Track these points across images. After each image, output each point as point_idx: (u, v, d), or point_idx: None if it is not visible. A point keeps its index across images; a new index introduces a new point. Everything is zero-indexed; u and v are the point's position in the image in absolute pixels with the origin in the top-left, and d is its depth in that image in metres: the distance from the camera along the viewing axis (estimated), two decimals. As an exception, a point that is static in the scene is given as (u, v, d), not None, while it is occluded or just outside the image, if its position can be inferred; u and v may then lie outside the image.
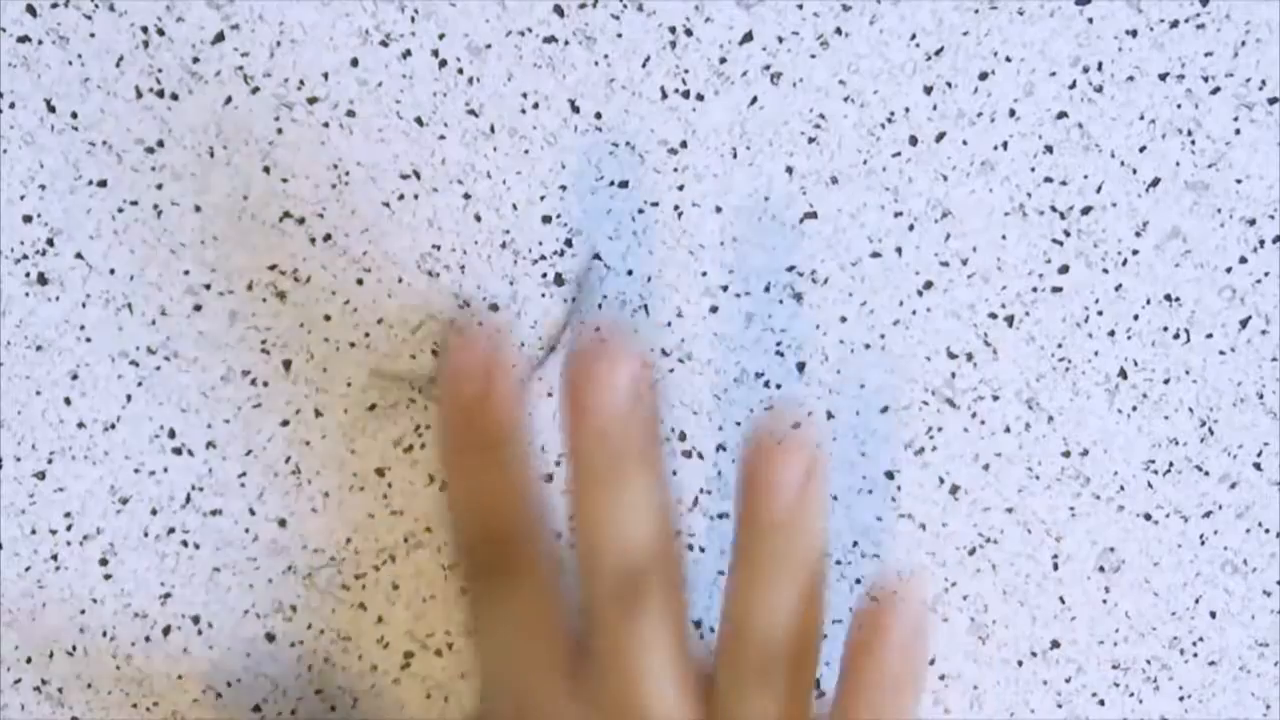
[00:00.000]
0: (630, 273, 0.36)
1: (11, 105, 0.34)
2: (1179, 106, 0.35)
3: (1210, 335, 0.37)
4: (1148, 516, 0.38)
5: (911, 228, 0.36)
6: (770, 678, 0.32)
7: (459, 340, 0.32)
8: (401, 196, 0.35)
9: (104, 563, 0.37)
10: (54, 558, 0.37)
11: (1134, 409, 0.37)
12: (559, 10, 0.34)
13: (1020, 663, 0.39)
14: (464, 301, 0.36)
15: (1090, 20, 0.34)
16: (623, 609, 0.32)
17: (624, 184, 0.35)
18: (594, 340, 0.30)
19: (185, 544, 0.37)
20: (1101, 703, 0.39)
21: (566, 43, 0.34)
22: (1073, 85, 0.35)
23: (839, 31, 0.34)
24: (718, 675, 0.33)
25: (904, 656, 0.32)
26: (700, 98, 0.35)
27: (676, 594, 0.32)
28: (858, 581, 0.38)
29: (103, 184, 0.35)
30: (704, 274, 0.36)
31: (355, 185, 0.35)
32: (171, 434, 0.37)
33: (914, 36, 0.34)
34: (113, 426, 0.37)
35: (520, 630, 0.33)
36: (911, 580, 0.33)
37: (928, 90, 0.35)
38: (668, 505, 0.32)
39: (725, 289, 0.36)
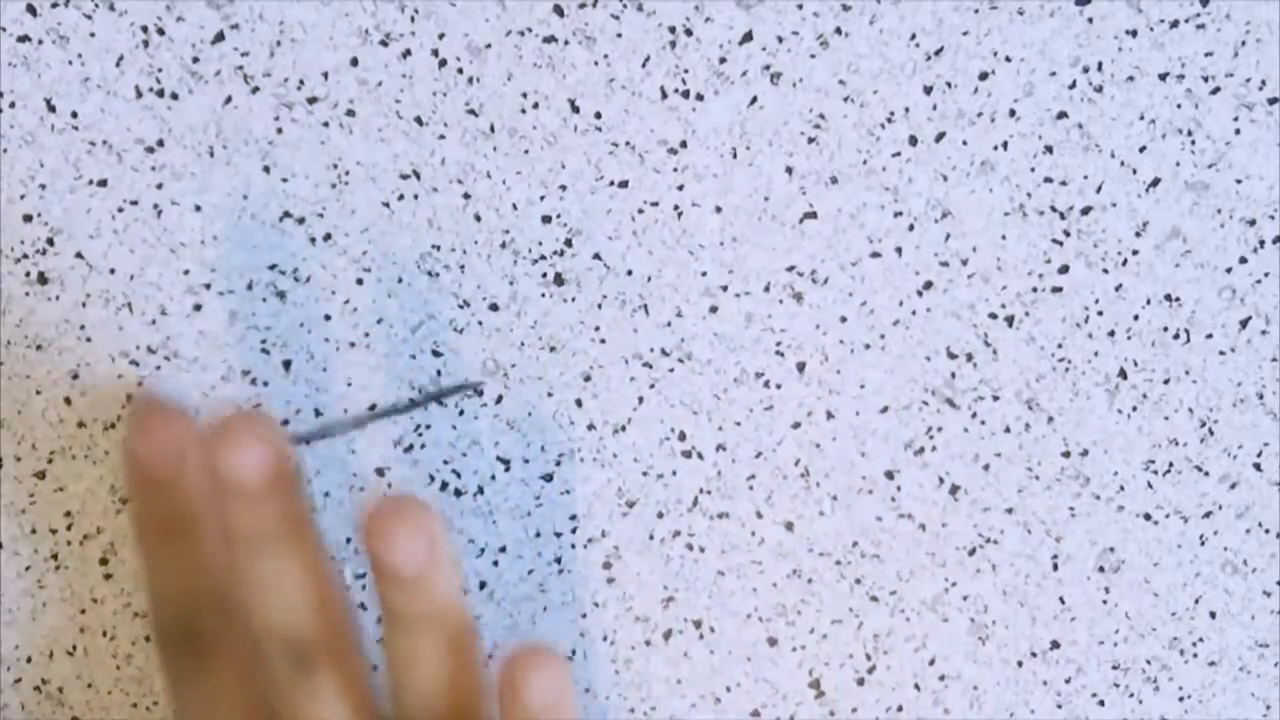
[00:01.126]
0: (630, 273, 0.36)
1: (11, 105, 0.34)
2: (1179, 106, 0.35)
3: (1210, 335, 0.37)
4: (1148, 517, 0.38)
5: (911, 228, 0.36)
6: None
7: (139, 423, 0.33)
8: (401, 196, 0.35)
9: (104, 562, 0.37)
10: (54, 558, 0.37)
11: (1134, 409, 0.37)
12: (559, 10, 0.34)
13: (1020, 663, 0.39)
14: (464, 301, 0.36)
15: (1090, 20, 0.34)
16: (296, 683, 0.32)
17: (624, 184, 0.35)
18: (225, 425, 0.30)
19: (185, 544, 0.37)
20: (1101, 703, 0.39)
21: (566, 43, 0.34)
22: (1073, 85, 0.35)
23: (839, 31, 0.34)
24: None
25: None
26: (700, 98, 0.35)
27: (350, 660, 0.32)
28: (858, 581, 0.38)
29: (103, 184, 0.35)
30: (704, 274, 0.36)
31: (355, 185, 0.35)
32: (171, 434, 0.37)
33: (914, 36, 0.34)
34: (113, 426, 0.37)
35: (214, 709, 0.33)
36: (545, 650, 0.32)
37: (928, 90, 0.35)
38: (326, 571, 0.32)
39: (725, 289, 0.36)
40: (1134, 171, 0.35)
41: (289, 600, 0.31)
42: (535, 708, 0.30)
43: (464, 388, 0.36)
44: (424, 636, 0.31)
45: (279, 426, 0.31)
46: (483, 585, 0.38)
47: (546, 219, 0.36)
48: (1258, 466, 0.38)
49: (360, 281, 0.36)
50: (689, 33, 0.34)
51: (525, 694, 0.30)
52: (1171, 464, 0.38)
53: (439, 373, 0.37)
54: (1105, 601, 0.38)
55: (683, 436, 0.37)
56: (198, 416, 0.33)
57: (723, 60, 0.34)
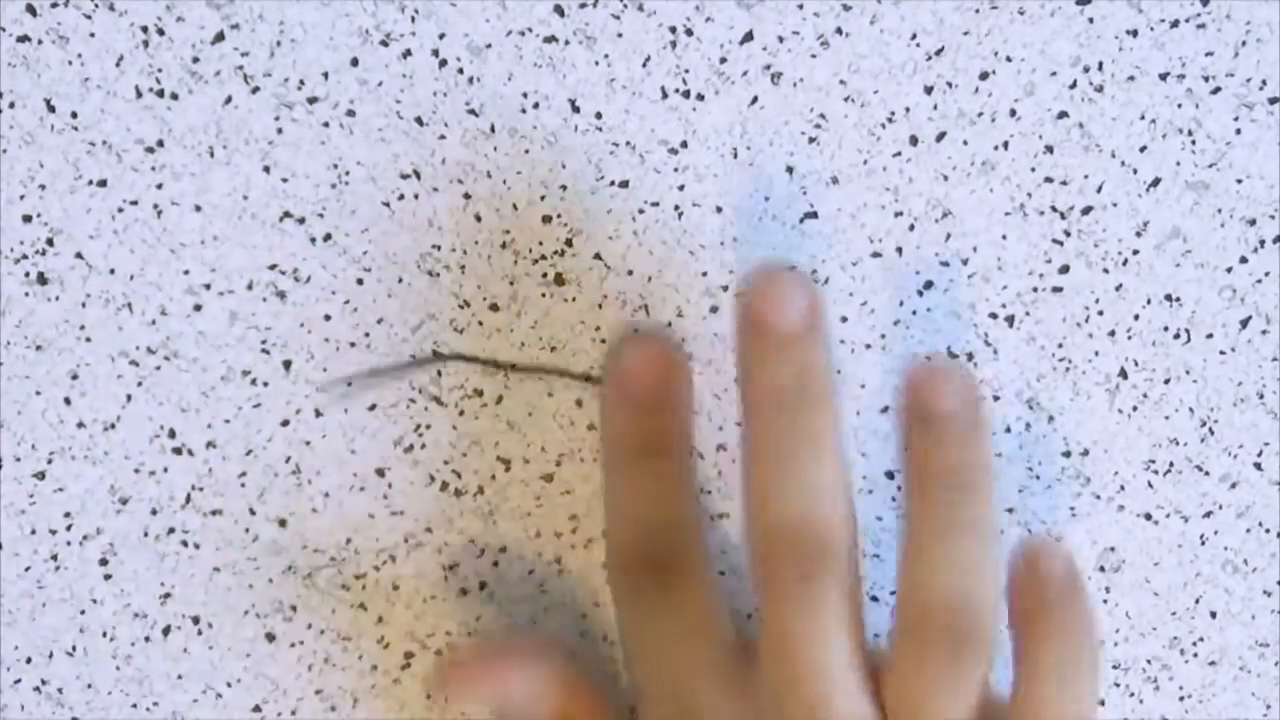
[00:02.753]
0: (630, 273, 0.36)
1: (11, 105, 0.34)
2: (1179, 106, 0.35)
3: (1211, 335, 0.37)
4: (1148, 516, 0.38)
5: (912, 228, 0.36)
6: (959, 654, 0.30)
7: (634, 340, 0.32)
8: (401, 196, 0.35)
9: (104, 563, 0.37)
10: (54, 558, 0.37)
11: (1134, 409, 0.37)
12: (559, 10, 0.34)
13: (1020, 663, 0.39)
14: (464, 301, 0.36)
15: (1091, 20, 0.34)
16: (801, 593, 0.30)
17: (624, 184, 0.35)
18: (769, 271, 0.30)
19: (185, 544, 0.37)
20: (1101, 703, 0.39)
21: (567, 43, 0.34)
22: (1073, 85, 0.35)
23: (839, 31, 0.34)
24: (897, 654, 0.31)
25: (1078, 635, 0.31)
26: (700, 98, 0.35)
27: (856, 578, 0.31)
28: (858, 581, 0.38)
29: (103, 184, 0.35)
30: (704, 274, 0.36)
31: (355, 185, 0.35)
32: (171, 434, 0.37)
33: (914, 36, 0.34)
34: (113, 426, 0.37)
35: (681, 630, 0.31)
36: (1060, 547, 0.31)
37: (928, 90, 0.35)
38: (847, 476, 0.31)
39: (725, 289, 0.36)
40: (1134, 171, 0.35)
41: (814, 500, 0.30)
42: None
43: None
44: (961, 526, 0.30)
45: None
46: (483, 585, 0.38)
47: (546, 219, 0.36)
48: (1258, 466, 0.38)
49: (360, 281, 0.36)
50: (689, 33, 0.34)
51: (1049, 577, 0.30)
52: (1172, 464, 0.38)
53: (439, 373, 0.37)
54: (1105, 601, 0.38)
55: (683, 436, 0.37)
56: (683, 348, 0.33)
57: (723, 60, 0.34)
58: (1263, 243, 0.36)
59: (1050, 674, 0.31)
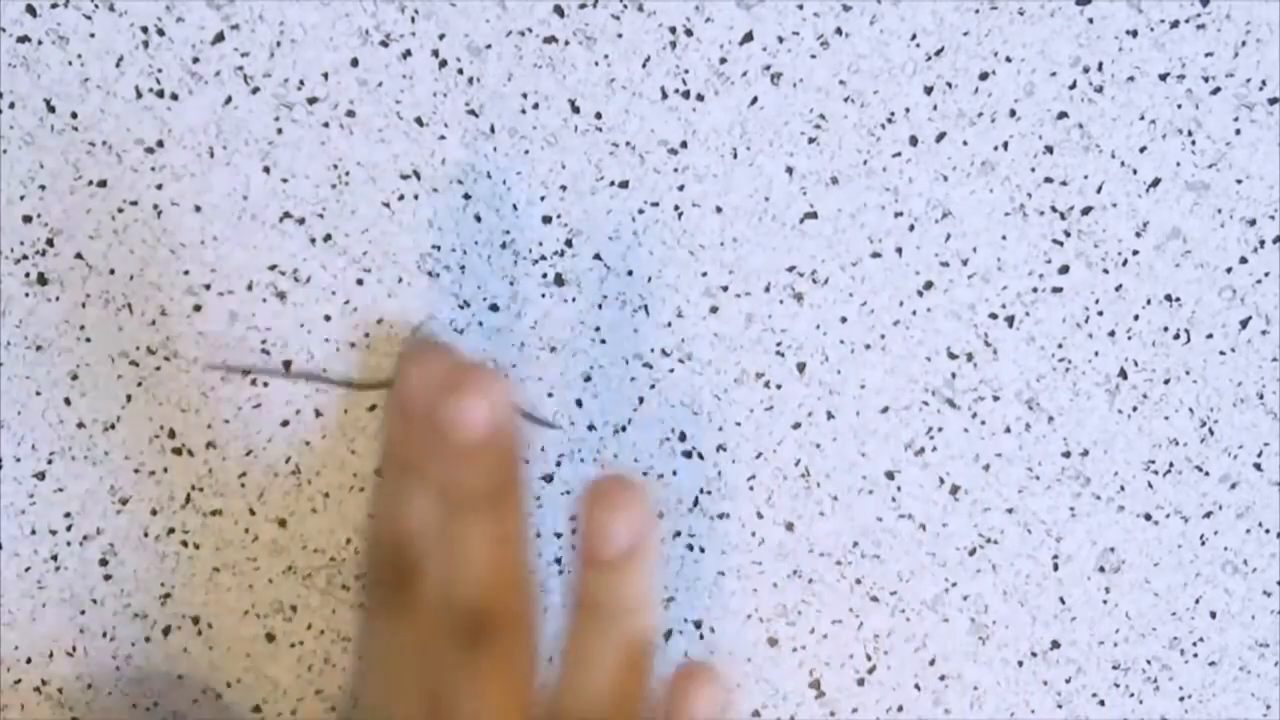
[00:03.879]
0: (630, 273, 0.36)
1: (11, 105, 0.34)
2: (1179, 106, 0.35)
3: (1210, 335, 0.37)
4: (1148, 517, 0.38)
5: (912, 228, 0.36)
6: None
7: (414, 355, 0.32)
8: (401, 196, 0.35)
9: (104, 563, 0.37)
10: (54, 558, 0.37)
11: (1134, 409, 0.37)
12: (559, 10, 0.34)
13: (1020, 663, 0.39)
14: (464, 301, 0.36)
15: (1090, 20, 0.34)
16: (458, 656, 0.31)
17: (624, 184, 0.35)
18: (458, 367, 0.30)
19: (185, 544, 0.37)
20: (1102, 703, 0.39)
21: (566, 43, 0.34)
22: (1073, 85, 0.35)
23: (839, 31, 0.34)
24: None
25: None
26: (700, 98, 0.35)
27: (519, 644, 0.31)
28: (858, 581, 0.38)
29: (103, 184, 0.35)
30: (704, 274, 0.36)
31: (355, 185, 0.35)
32: (171, 434, 0.37)
33: (914, 37, 0.34)
34: (113, 426, 0.37)
35: (402, 653, 0.32)
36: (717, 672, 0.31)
37: (928, 90, 0.35)
38: (521, 547, 0.31)
39: (725, 289, 0.36)
40: (1134, 171, 0.35)
41: (474, 567, 0.30)
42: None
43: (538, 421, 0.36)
44: (607, 634, 0.30)
45: (509, 383, 0.30)
46: (483, 585, 0.38)
47: (547, 219, 0.36)
48: (1258, 466, 0.38)
49: (360, 281, 0.36)
50: (689, 33, 0.34)
51: (692, 707, 0.30)
52: (1171, 464, 0.38)
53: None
54: (1105, 601, 0.38)
55: (683, 437, 0.37)
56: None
57: (723, 60, 0.34)
58: (1263, 243, 0.36)
59: None
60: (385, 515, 0.33)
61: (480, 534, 0.30)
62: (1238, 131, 0.35)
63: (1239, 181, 0.36)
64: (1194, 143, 0.35)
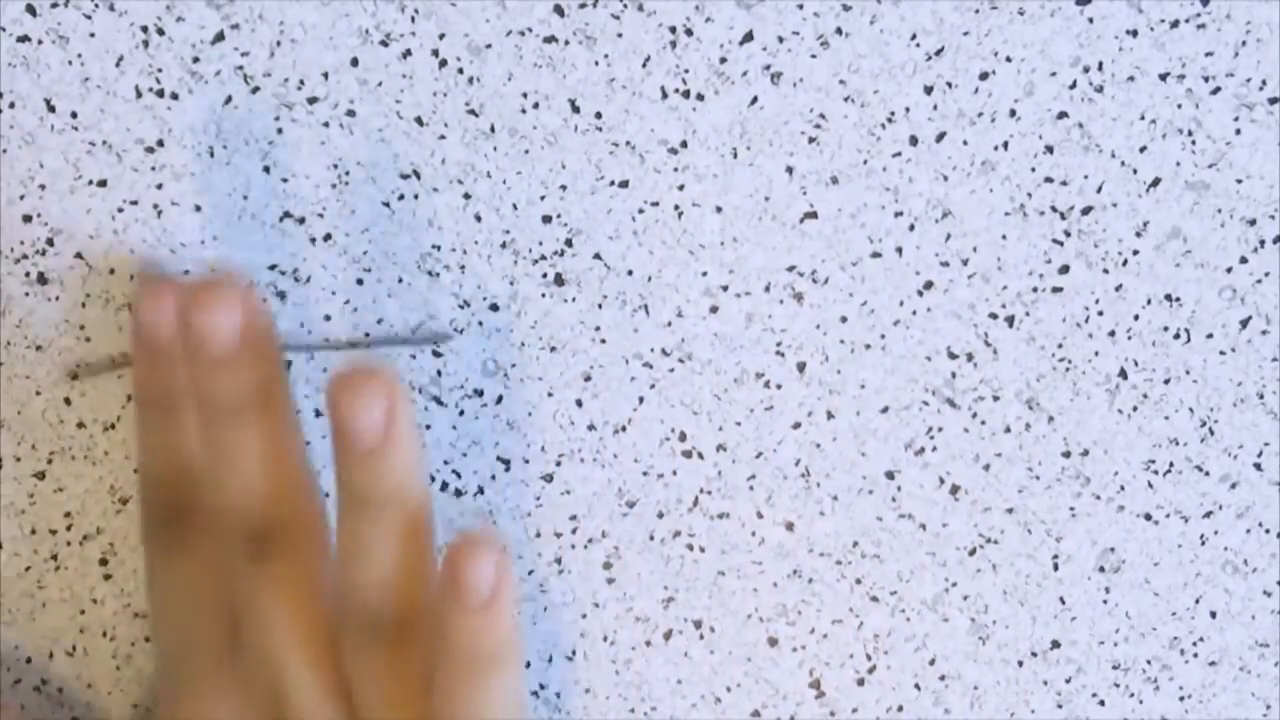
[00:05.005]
0: (630, 273, 0.36)
1: (11, 105, 0.34)
2: (1179, 106, 0.35)
3: (1210, 335, 0.37)
4: (1148, 517, 0.38)
5: (912, 228, 0.36)
6: (378, 637, 0.30)
7: (146, 290, 0.32)
8: (401, 196, 0.35)
9: (104, 563, 0.37)
10: (54, 558, 0.37)
11: (1134, 409, 0.37)
12: (559, 10, 0.34)
13: (1020, 663, 0.39)
14: (464, 301, 0.36)
15: (1090, 20, 0.34)
16: (248, 568, 0.30)
17: (624, 184, 0.35)
18: (199, 287, 0.29)
19: (185, 544, 0.37)
20: (1102, 703, 0.39)
21: (566, 43, 0.34)
22: (1073, 85, 0.35)
23: (839, 31, 0.34)
24: (340, 634, 0.31)
25: (484, 633, 0.30)
26: (700, 98, 0.35)
27: (307, 548, 0.31)
28: (858, 581, 0.38)
29: (103, 184, 0.35)
30: (704, 274, 0.36)
31: (355, 185, 0.35)
32: (171, 434, 0.37)
33: (914, 36, 0.34)
34: (113, 426, 0.37)
35: (186, 590, 0.32)
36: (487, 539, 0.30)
37: (928, 90, 0.35)
38: (294, 451, 0.31)
39: (725, 289, 0.36)
40: (1134, 171, 0.35)
41: (250, 479, 0.30)
42: (474, 596, 0.29)
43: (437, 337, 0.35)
44: (377, 522, 0.30)
45: (255, 291, 0.30)
46: (483, 585, 0.38)
47: (546, 219, 0.36)
48: (1258, 466, 0.38)
49: (360, 281, 0.36)
50: (689, 33, 0.34)
51: (465, 581, 0.29)
52: (1172, 464, 0.38)
53: (439, 373, 0.37)
54: (1105, 601, 0.38)
55: (683, 436, 0.37)
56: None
57: (723, 60, 0.34)
58: (1263, 243, 0.36)
59: (455, 674, 0.30)
60: (150, 453, 0.33)
61: (250, 446, 0.30)
62: (1238, 131, 0.35)
63: (1239, 181, 0.36)
64: (1194, 143, 0.35)
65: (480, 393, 0.37)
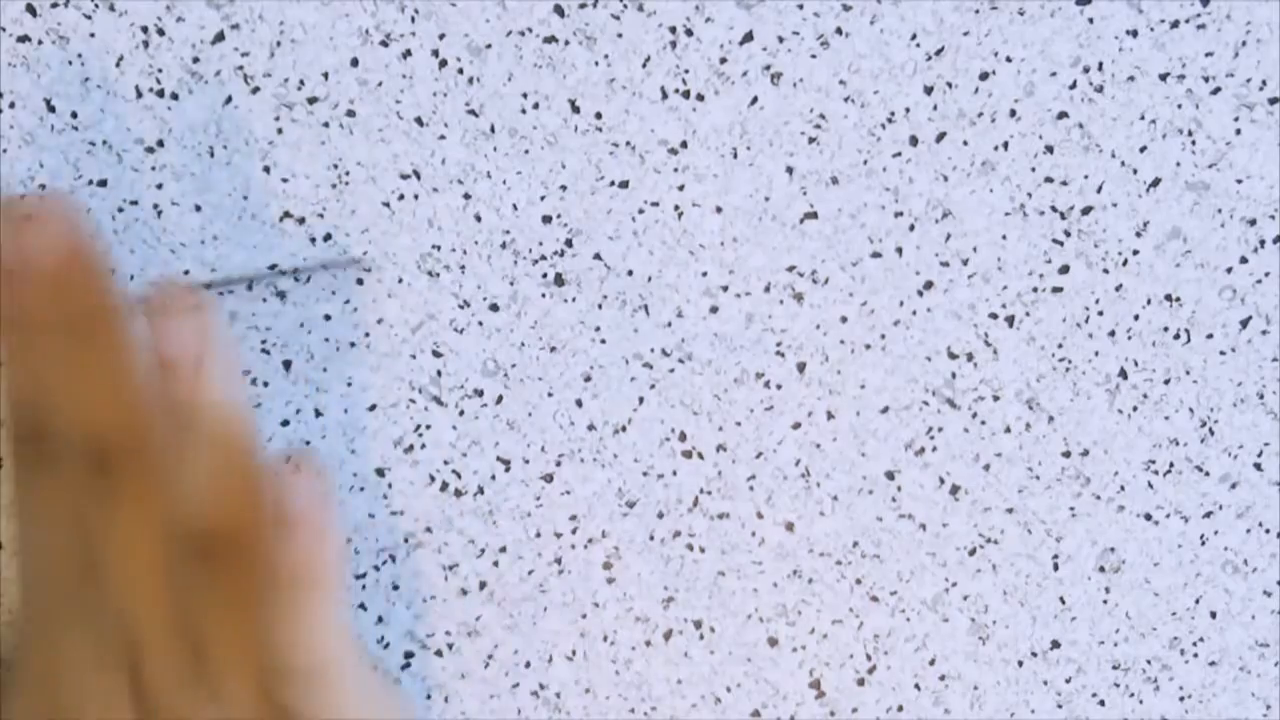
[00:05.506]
0: (630, 273, 0.36)
1: (11, 105, 0.34)
2: (1179, 106, 0.35)
3: (1210, 335, 0.37)
4: (1148, 517, 0.38)
5: (912, 228, 0.36)
6: (203, 557, 0.31)
7: (34, 211, 0.32)
8: (401, 196, 0.35)
9: (104, 563, 0.37)
10: (54, 558, 0.37)
11: (1134, 409, 0.37)
12: (559, 10, 0.34)
13: (1020, 663, 0.39)
14: (464, 301, 0.36)
15: (1091, 21, 0.34)
16: (93, 486, 0.30)
17: (624, 184, 0.35)
18: (21, 208, 0.30)
19: (185, 544, 0.37)
20: (1102, 703, 0.39)
21: (566, 43, 0.34)
22: (1073, 85, 0.35)
23: (839, 31, 0.34)
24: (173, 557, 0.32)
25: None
26: (700, 98, 0.35)
27: (149, 466, 0.31)
28: (858, 581, 0.38)
29: (103, 184, 0.35)
30: (704, 274, 0.36)
31: (355, 185, 0.35)
32: (171, 434, 0.37)
33: (914, 37, 0.34)
34: (113, 426, 0.37)
35: (49, 504, 0.32)
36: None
37: (928, 90, 0.35)
38: (130, 369, 0.31)
39: (725, 289, 0.36)
40: (1134, 171, 0.35)
41: (88, 398, 0.31)
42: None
43: (347, 262, 0.35)
44: (198, 437, 0.31)
45: (79, 213, 0.30)
46: (483, 585, 0.38)
47: (546, 219, 0.36)
48: (1258, 466, 0.38)
49: (360, 281, 0.36)
50: (689, 33, 0.34)
51: (292, 497, 0.30)
52: (1171, 464, 0.38)
53: (439, 373, 0.37)
54: (1105, 601, 0.38)
55: (683, 437, 0.37)
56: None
57: (723, 60, 0.34)
58: (1263, 243, 0.36)
59: (276, 593, 0.31)
60: (11, 376, 0.33)
61: (86, 365, 0.30)
62: (1238, 131, 0.35)
63: (1239, 181, 0.36)
64: (1194, 143, 0.35)
65: (480, 393, 0.37)
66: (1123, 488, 0.38)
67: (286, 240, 0.36)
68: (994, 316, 0.37)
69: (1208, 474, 0.38)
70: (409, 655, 0.38)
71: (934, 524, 0.38)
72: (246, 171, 0.35)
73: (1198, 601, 0.38)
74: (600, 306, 0.36)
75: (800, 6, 0.34)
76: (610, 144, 0.35)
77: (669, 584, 0.38)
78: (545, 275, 0.36)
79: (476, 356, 0.36)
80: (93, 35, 0.34)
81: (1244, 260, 0.36)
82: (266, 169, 0.35)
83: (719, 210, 0.36)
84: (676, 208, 0.36)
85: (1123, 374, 0.37)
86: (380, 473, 0.37)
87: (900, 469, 0.38)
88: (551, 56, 0.34)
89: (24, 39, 0.34)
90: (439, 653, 0.38)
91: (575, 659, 0.39)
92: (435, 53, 0.34)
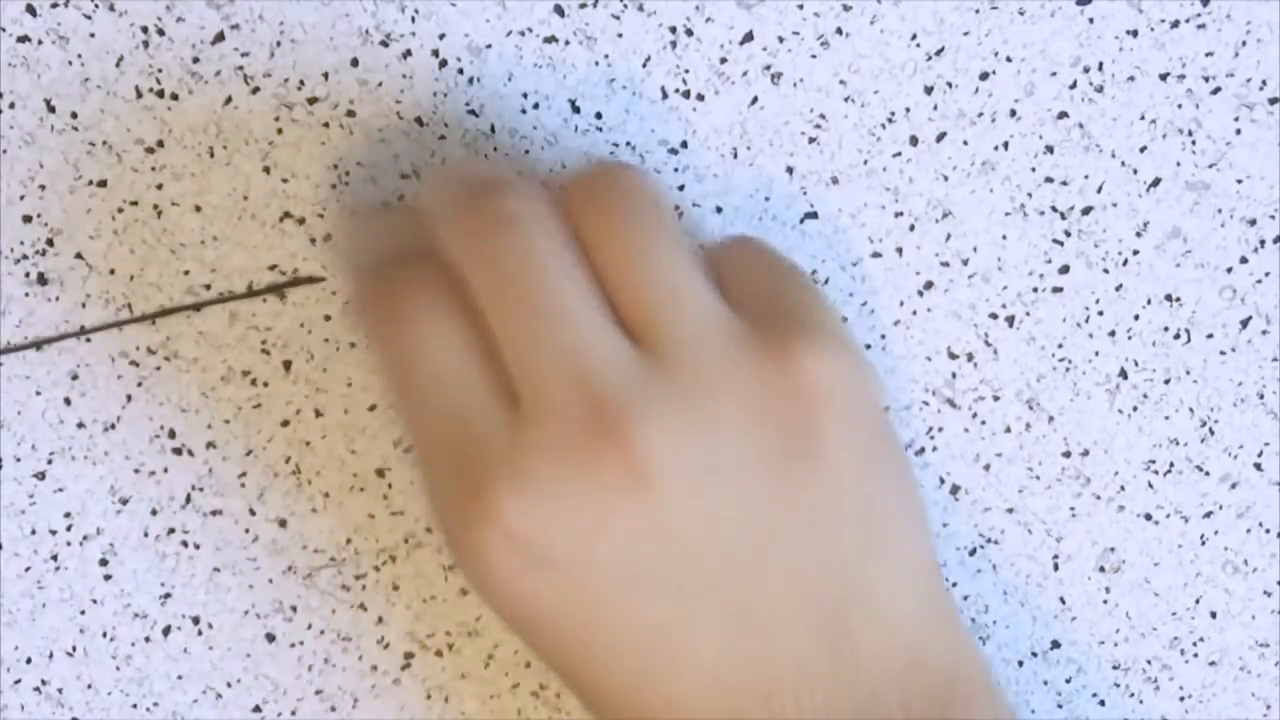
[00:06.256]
0: (630, 273, 0.36)
1: (11, 105, 0.34)
2: (1179, 106, 0.35)
3: (1211, 335, 0.37)
4: (1148, 517, 0.38)
5: (912, 228, 0.36)
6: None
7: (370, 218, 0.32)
8: (401, 196, 0.35)
9: (104, 563, 0.37)
10: (54, 558, 0.37)
11: (1134, 409, 0.37)
12: (559, 10, 0.34)
13: (1020, 663, 0.39)
14: (464, 301, 0.36)
15: (1091, 20, 0.34)
16: (493, 228, 0.29)
17: (624, 184, 0.35)
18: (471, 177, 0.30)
19: (185, 544, 0.37)
20: (1102, 703, 0.39)
21: (567, 43, 0.34)
22: (1073, 85, 0.35)
23: (839, 31, 0.34)
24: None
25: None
26: (700, 98, 0.35)
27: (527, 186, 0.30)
28: (858, 581, 0.38)
29: (103, 184, 0.35)
30: (704, 274, 0.36)
31: (355, 185, 0.35)
32: (171, 434, 0.37)
33: (914, 36, 0.34)
34: (113, 426, 0.37)
35: (434, 355, 0.30)
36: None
37: (928, 90, 0.35)
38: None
39: (725, 289, 0.36)
40: (1134, 171, 0.35)
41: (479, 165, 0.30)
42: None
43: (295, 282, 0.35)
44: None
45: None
46: (483, 585, 0.38)
47: (547, 219, 0.36)
48: (1258, 466, 0.38)
49: (360, 281, 0.36)
50: (689, 33, 0.34)
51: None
52: (1172, 464, 0.38)
53: (439, 373, 0.37)
54: (1105, 601, 0.38)
55: (683, 436, 0.37)
56: None
57: (723, 60, 0.34)
58: (1263, 243, 0.36)
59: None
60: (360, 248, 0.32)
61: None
62: (1238, 131, 0.35)
63: (1239, 181, 0.36)
64: (1194, 143, 0.35)
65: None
66: (1123, 488, 0.38)
67: (286, 240, 0.36)
68: (994, 316, 0.37)
69: (1208, 474, 0.38)
70: (409, 655, 0.38)
71: (934, 524, 0.38)
72: (246, 171, 0.35)
73: (1198, 601, 0.38)
74: (600, 306, 0.36)
75: (800, 6, 0.34)
76: (610, 144, 0.35)
77: (669, 584, 0.38)
78: (545, 275, 0.36)
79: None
80: (93, 35, 0.34)
81: (1244, 260, 0.36)
82: (266, 169, 0.35)
83: (719, 210, 0.36)
84: (676, 208, 0.36)
85: (1123, 374, 0.37)
86: (380, 473, 0.37)
87: (900, 469, 0.37)
88: (551, 56, 0.34)
89: (24, 39, 0.34)
90: (439, 653, 0.38)
91: (575, 659, 0.39)
92: (435, 53, 0.34)
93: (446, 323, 0.29)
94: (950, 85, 0.35)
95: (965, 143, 0.35)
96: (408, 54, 0.34)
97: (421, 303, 0.30)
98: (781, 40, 0.34)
